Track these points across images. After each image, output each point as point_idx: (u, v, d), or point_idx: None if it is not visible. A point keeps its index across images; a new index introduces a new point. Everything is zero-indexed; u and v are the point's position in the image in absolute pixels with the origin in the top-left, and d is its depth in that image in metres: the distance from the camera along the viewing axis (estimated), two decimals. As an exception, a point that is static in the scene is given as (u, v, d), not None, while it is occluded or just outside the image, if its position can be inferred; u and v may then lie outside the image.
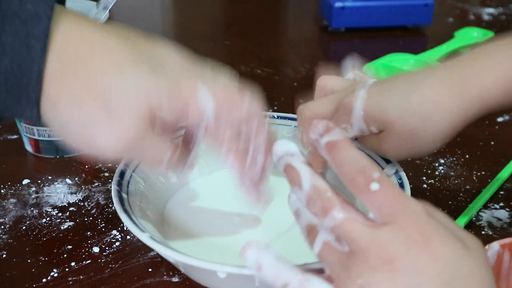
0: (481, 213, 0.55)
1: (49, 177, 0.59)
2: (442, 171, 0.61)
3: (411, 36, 1.00)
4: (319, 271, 0.35)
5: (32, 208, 0.54)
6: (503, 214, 0.55)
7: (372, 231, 0.32)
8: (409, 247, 0.31)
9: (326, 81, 0.51)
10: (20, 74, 0.36)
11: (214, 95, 0.40)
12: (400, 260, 0.31)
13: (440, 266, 0.31)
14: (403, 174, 0.49)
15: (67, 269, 0.47)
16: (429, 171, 0.61)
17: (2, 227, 0.52)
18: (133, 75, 0.37)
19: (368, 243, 0.32)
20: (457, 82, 0.45)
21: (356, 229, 0.32)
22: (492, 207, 0.56)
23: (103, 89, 0.37)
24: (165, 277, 0.47)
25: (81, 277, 0.47)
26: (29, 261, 0.48)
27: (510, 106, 0.46)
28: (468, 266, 0.31)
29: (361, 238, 0.32)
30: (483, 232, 0.53)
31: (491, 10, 1.12)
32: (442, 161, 0.63)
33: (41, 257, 0.49)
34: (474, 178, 0.60)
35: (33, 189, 0.57)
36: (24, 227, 0.52)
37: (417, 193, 0.57)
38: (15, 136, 0.66)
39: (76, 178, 0.59)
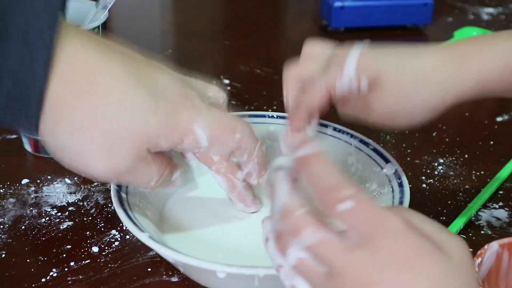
0: (480, 213, 0.55)
1: (48, 177, 0.59)
2: (442, 170, 0.61)
3: (411, 36, 1.00)
4: None
5: (31, 208, 0.54)
6: (502, 213, 0.55)
7: (347, 254, 0.30)
8: (387, 269, 0.29)
9: (313, 47, 0.50)
10: (22, 89, 0.36)
11: (209, 127, 0.42)
12: (378, 284, 0.29)
13: (422, 286, 0.29)
14: (402, 174, 0.50)
15: (66, 269, 0.47)
16: (429, 171, 0.61)
17: (1, 226, 0.52)
18: (134, 111, 0.39)
19: (344, 266, 0.30)
20: (457, 57, 0.45)
21: (330, 252, 0.31)
22: (492, 207, 0.56)
23: (104, 123, 0.38)
24: (164, 276, 0.47)
25: (80, 276, 0.47)
26: (28, 261, 0.48)
27: (502, 93, 0.46)
28: (452, 282, 0.30)
29: (336, 261, 0.30)
30: (482, 232, 0.53)
31: (490, 9, 1.12)
32: (441, 160, 0.63)
33: (40, 257, 0.49)
34: (474, 177, 0.60)
35: (32, 188, 0.57)
36: (23, 227, 0.52)
37: (416, 192, 0.57)
38: (14, 136, 0.66)
39: (75, 178, 0.59)
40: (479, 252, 0.40)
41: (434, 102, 0.44)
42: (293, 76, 0.48)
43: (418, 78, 0.44)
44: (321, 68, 0.46)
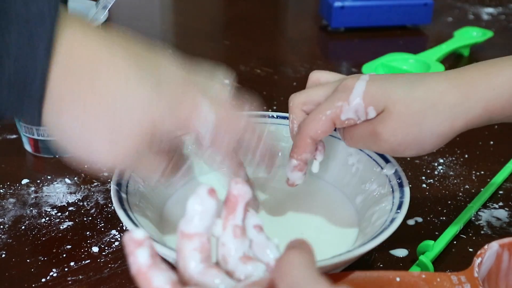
0: (480, 213, 0.55)
1: (48, 177, 0.59)
2: (442, 170, 0.61)
3: (411, 36, 1.00)
4: None
5: (31, 208, 0.54)
6: (502, 213, 0.55)
7: None
8: None
9: (319, 74, 0.50)
10: (24, 74, 0.36)
11: (215, 111, 0.41)
12: None
13: None
14: (402, 174, 0.50)
15: (66, 269, 0.47)
16: (429, 171, 0.61)
17: (1, 226, 0.52)
18: (137, 94, 0.38)
19: None
20: (464, 82, 0.44)
21: None
22: (491, 207, 0.56)
23: (107, 112, 0.37)
24: (164, 277, 0.47)
25: (80, 277, 0.47)
26: (28, 261, 0.48)
27: (510, 119, 0.45)
28: None
29: None
30: (482, 232, 0.53)
31: (490, 9, 1.12)
32: (441, 160, 0.63)
33: (40, 257, 0.49)
34: (473, 177, 0.60)
35: (32, 188, 0.57)
36: (23, 227, 0.52)
37: (416, 192, 0.57)
38: (14, 136, 0.66)
39: (75, 178, 0.59)
40: (479, 252, 0.40)
41: (443, 130, 0.44)
42: (298, 103, 0.48)
43: (427, 105, 0.43)
44: (326, 97, 0.46)
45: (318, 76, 0.50)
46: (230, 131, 0.43)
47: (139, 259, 0.31)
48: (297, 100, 0.48)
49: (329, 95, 0.46)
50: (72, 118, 0.38)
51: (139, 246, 0.31)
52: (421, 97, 0.44)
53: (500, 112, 0.44)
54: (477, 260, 0.40)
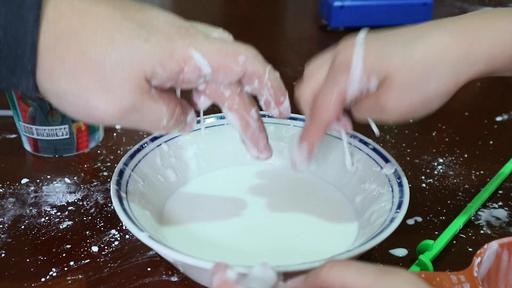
0: (480, 212, 0.55)
1: (48, 177, 0.59)
2: (441, 170, 0.61)
3: (410, 35, 1.00)
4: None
5: (31, 208, 0.54)
6: (501, 213, 0.55)
7: None
8: None
9: (313, 62, 0.49)
10: (14, 44, 0.36)
11: (208, 52, 0.40)
12: None
13: None
14: (401, 174, 0.50)
15: (65, 269, 0.47)
16: (428, 171, 0.61)
17: (1, 226, 0.52)
18: (125, 45, 0.38)
19: None
20: (466, 35, 0.43)
21: None
22: (491, 206, 0.56)
23: (96, 62, 0.37)
24: (164, 276, 0.47)
25: (80, 276, 0.47)
26: (27, 260, 0.48)
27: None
28: None
29: None
30: (481, 232, 0.53)
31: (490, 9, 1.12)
32: (441, 160, 0.63)
33: (40, 257, 0.49)
34: (473, 177, 0.61)
35: (32, 188, 0.57)
36: (23, 227, 0.52)
37: (416, 192, 0.57)
38: (14, 135, 0.66)
39: (75, 178, 0.59)
40: (478, 251, 0.40)
41: (448, 87, 0.43)
42: (306, 95, 0.47)
43: (428, 67, 0.42)
44: (327, 76, 0.45)
45: (313, 65, 0.49)
46: (228, 81, 0.42)
47: (228, 274, 0.33)
48: (303, 92, 0.47)
49: (329, 74, 0.45)
50: (66, 82, 0.37)
51: (227, 269, 0.34)
52: (421, 60, 0.42)
53: (502, 66, 0.43)
54: (476, 260, 0.40)
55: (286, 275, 0.36)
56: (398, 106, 0.43)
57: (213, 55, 0.40)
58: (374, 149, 0.53)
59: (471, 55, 0.42)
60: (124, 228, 0.52)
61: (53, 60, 0.37)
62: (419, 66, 0.42)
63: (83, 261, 0.48)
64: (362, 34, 0.45)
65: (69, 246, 0.50)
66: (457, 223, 0.52)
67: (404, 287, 0.31)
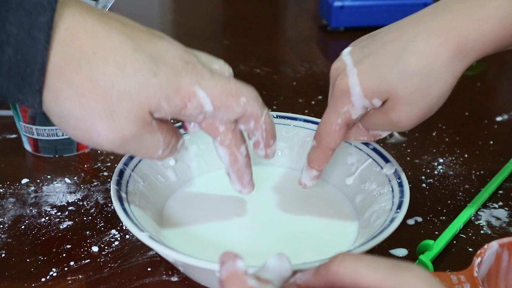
0: (480, 213, 0.55)
1: (48, 177, 0.59)
2: (441, 170, 0.61)
3: (410, 36, 1.00)
4: None
5: (31, 208, 0.54)
6: (502, 213, 0.55)
7: None
8: None
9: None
10: (24, 64, 0.36)
11: (212, 90, 0.40)
12: None
13: None
14: (402, 174, 0.50)
15: (66, 269, 0.47)
16: (428, 171, 0.61)
17: (1, 226, 0.52)
18: (134, 77, 0.38)
19: None
20: (452, 32, 0.43)
21: None
22: (491, 207, 0.56)
23: (104, 90, 0.37)
24: (164, 276, 0.47)
25: (80, 276, 0.47)
26: (28, 260, 0.48)
27: (505, 49, 0.45)
28: None
29: None
30: (482, 232, 0.53)
31: (490, 9, 1.12)
32: (441, 160, 0.63)
33: (40, 257, 0.49)
34: (473, 177, 0.60)
35: (32, 188, 0.57)
36: (23, 227, 0.52)
37: (416, 192, 0.57)
38: (14, 136, 0.66)
39: (75, 178, 0.59)
40: (478, 251, 0.40)
41: (449, 84, 0.44)
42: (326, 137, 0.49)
43: (426, 76, 0.43)
44: (329, 104, 0.46)
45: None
46: (226, 119, 0.43)
47: (238, 264, 0.31)
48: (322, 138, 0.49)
49: (329, 103, 0.47)
50: (71, 105, 0.38)
51: (237, 259, 0.32)
52: (417, 71, 0.43)
53: (493, 50, 0.44)
54: (476, 260, 0.40)
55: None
56: (409, 119, 0.44)
57: (216, 94, 0.41)
58: (374, 149, 0.53)
59: (462, 50, 0.43)
60: (124, 228, 0.52)
61: (61, 83, 0.37)
62: (417, 77, 0.43)
63: (83, 261, 0.48)
64: (347, 57, 0.45)
65: (69, 246, 0.50)
66: (457, 223, 0.52)
67: (417, 283, 0.30)
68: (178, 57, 0.40)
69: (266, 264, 0.34)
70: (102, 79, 0.37)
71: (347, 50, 0.46)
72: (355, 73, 0.44)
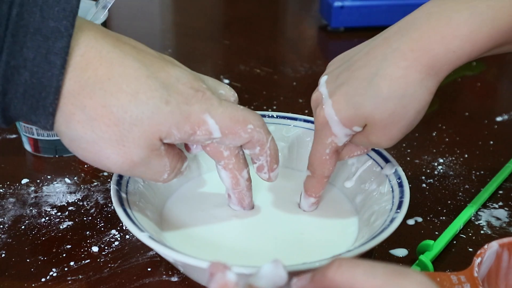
0: (480, 213, 0.55)
1: (48, 177, 0.59)
2: (441, 170, 0.61)
3: (410, 36, 1.00)
4: None
5: (31, 208, 0.54)
6: (502, 213, 0.55)
7: None
8: None
9: None
10: (39, 87, 0.37)
11: (221, 118, 0.42)
12: None
13: None
14: (402, 174, 0.50)
15: (66, 269, 0.47)
16: (428, 171, 0.61)
17: (1, 226, 0.52)
18: (147, 105, 0.39)
19: None
20: (419, 52, 0.43)
21: None
22: (491, 207, 0.56)
23: (117, 116, 0.38)
24: (164, 276, 0.47)
25: (80, 276, 0.47)
26: (28, 260, 0.48)
27: (476, 59, 0.44)
28: None
29: None
30: (482, 232, 0.53)
31: (490, 9, 1.12)
32: (441, 160, 0.63)
33: (40, 257, 0.49)
34: (473, 177, 0.60)
35: (32, 188, 0.57)
36: (23, 227, 0.52)
37: (416, 192, 0.57)
38: (14, 136, 0.66)
39: (75, 178, 0.59)
40: (478, 252, 0.40)
41: (425, 101, 0.44)
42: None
43: (400, 98, 0.43)
44: (314, 136, 0.48)
45: None
46: (235, 142, 0.44)
47: (228, 276, 0.31)
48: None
49: (314, 140, 0.48)
50: (83, 129, 0.39)
51: (226, 270, 0.32)
52: (390, 95, 0.43)
53: (465, 62, 0.44)
54: (477, 260, 0.40)
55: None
56: (389, 138, 0.45)
57: (225, 121, 0.42)
58: (374, 149, 0.53)
59: (432, 68, 0.43)
60: (124, 228, 0.52)
61: (74, 107, 0.38)
62: (391, 101, 0.43)
63: (83, 261, 0.48)
64: (323, 88, 0.46)
65: (69, 246, 0.50)
66: (457, 223, 0.52)
67: None
68: (189, 84, 0.41)
69: (260, 271, 0.33)
70: (116, 105, 0.38)
71: (323, 80, 0.47)
72: (330, 104, 0.45)
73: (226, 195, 0.50)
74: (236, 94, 0.47)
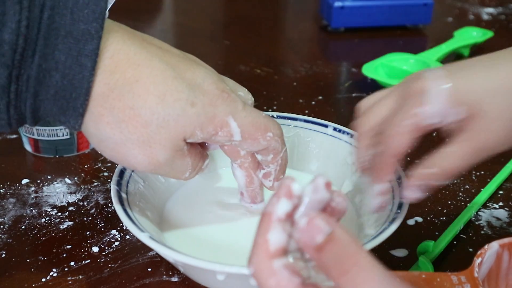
0: (480, 213, 0.55)
1: (49, 177, 0.59)
2: (442, 170, 0.61)
3: (411, 36, 1.00)
4: None
5: (31, 208, 0.54)
6: (502, 213, 0.55)
7: None
8: None
9: (368, 99, 0.46)
10: (70, 88, 0.38)
11: (244, 122, 0.42)
12: None
13: None
14: (402, 174, 0.50)
15: (66, 269, 0.47)
16: (429, 171, 0.61)
17: (2, 226, 0.52)
18: (173, 107, 0.40)
19: None
20: None
21: None
22: (492, 207, 0.56)
23: (144, 118, 0.39)
24: (164, 276, 0.47)
25: (80, 276, 0.47)
26: (28, 260, 0.48)
27: None
28: None
29: None
30: (482, 232, 0.53)
31: (490, 9, 1.12)
32: (441, 160, 0.63)
33: (41, 257, 0.49)
34: (474, 177, 0.60)
35: (32, 188, 0.57)
36: (23, 227, 0.52)
37: (416, 192, 0.57)
38: (14, 136, 0.66)
39: (75, 178, 0.59)
40: (479, 252, 0.40)
41: None
42: (366, 127, 0.44)
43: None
44: (392, 109, 0.42)
45: (367, 101, 0.46)
46: (252, 148, 0.45)
47: (279, 207, 0.30)
48: (364, 128, 0.44)
49: (395, 107, 0.42)
50: (111, 130, 0.39)
51: (288, 198, 0.30)
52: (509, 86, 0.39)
53: None
54: (477, 260, 0.40)
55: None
56: (498, 138, 0.41)
57: (247, 126, 0.43)
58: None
59: None
60: (124, 228, 0.52)
61: (103, 108, 0.39)
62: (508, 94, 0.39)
63: (83, 262, 0.48)
64: (433, 69, 0.41)
65: (70, 246, 0.50)
66: (458, 224, 0.52)
67: None
68: (214, 85, 0.42)
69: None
70: (143, 107, 0.39)
71: (440, 69, 0.42)
72: (442, 74, 0.40)
73: (239, 193, 0.51)
74: (253, 98, 0.47)
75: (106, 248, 0.50)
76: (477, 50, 0.93)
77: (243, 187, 0.50)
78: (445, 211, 0.55)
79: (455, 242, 0.51)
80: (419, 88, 0.40)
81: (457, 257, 0.50)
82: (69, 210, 0.54)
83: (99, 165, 0.61)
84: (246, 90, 0.47)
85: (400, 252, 0.50)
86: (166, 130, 0.40)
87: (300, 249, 0.31)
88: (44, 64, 0.37)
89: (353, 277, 0.28)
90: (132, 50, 0.39)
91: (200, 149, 0.45)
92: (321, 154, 0.56)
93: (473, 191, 0.58)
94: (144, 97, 0.39)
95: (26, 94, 0.37)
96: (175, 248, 0.41)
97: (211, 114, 0.41)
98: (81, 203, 0.55)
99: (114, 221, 0.53)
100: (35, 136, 0.62)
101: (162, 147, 0.40)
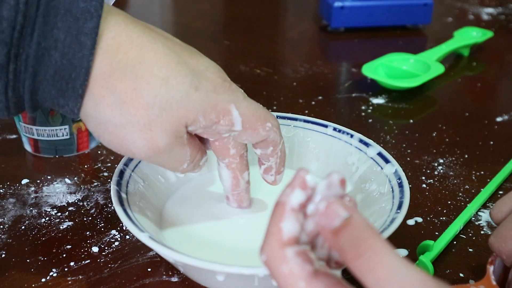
0: (480, 213, 0.55)
1: (48, 177, 0.59)
2: (441, 170, 0.61)
3: (411, 36, 1.00)
4: None
5: (31, 208, 0.54)
6: (502, 213, 0.55)
7: None
8: None
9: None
10: (70, 68, 0.37)
11: (245, 111, 0.42)
12: None
13: None
14: (402, 174, 0.50)
15: (66, 269, 0.47)
16: (428, 171, 0.61)
17: (1, 226, 0.52)
18: (177, 90, 0.39)
19: None
20: None
21: None
22: (492, 207, 0.56)
23: (147, 100, 0.38)
24: (164, 277, 0.47)
25: (80, 276, 0.47)
26: (28, 261, 0.48)
27: None
28: None
29: None
30: (482, 232, 0.53)
31: (490, 10, 1.12)
32: (441, 160, 0.63)
33: (40, 257, 0.49)
34: (473, 178, 0.60)
35: (32, 188, 0.57)
36: (23, 227, 0.52)
37: (416, 192, 0.57)
38: (14, 136, 0.66)
39: (75, 178, 0.59)
40: (490, 259, 0.40)
41: None
42: (502, 214, 0.43)
43: None
44: None
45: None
46: (252, 139, 0.45)
47: (293, 196, 0.31)
48: (500, 217, 0.42)
49: None
50: (111, 113, 0.38)
51: (302, 188, 0.31)
52: None
53: None
54: (490, 268, 0.40)
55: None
56: None
57: (248, 115, 0.43)
58: (374, 150, 0.53)
59: None
60: (124, 228, 0.52)
61: (104, 89, 0.38)
62: None
63: (83, 262, 0.48)
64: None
65: (70, 246, 0.50)
66: (458, 224, 0.52)
67: None
68: (217, 74, 0.42)
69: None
70: (146, 89, 0.38)
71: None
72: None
73: (225, 197, 0.51)
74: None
75: (106, 248, 0.50)
76: (477, 50, 0.93)
77: (228, 190, 0.49)
78: (445, 211, 0.55)
79: (455, 242, 0.51)
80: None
81: (457, 257, 0.50)
82: (69, 210, 0.54)
83: (99, 165, 0.61)
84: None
85: (400, 252, 0.50)
86: (169, 113, 0.39)
87: (310, 242, 0.32)
88: (43, 43, 0.36)
89: (367, 260, 0.29)
90: (135, 32, 0.39)
91: (199, 142, 0.44)
92: (320, 154, 0.56)
93: (473, 191, 0.58)
94: (147, 79, 0.38)
95: (25, 74, 0.37)
96: (175, 248, 0.41)
97: (214, 100, 0.41)
98: (81, 203, 0.55)
99: (114, 221, 0.53)
100: (35, 136, 0.62)
101: (163, 131, 0.39)
